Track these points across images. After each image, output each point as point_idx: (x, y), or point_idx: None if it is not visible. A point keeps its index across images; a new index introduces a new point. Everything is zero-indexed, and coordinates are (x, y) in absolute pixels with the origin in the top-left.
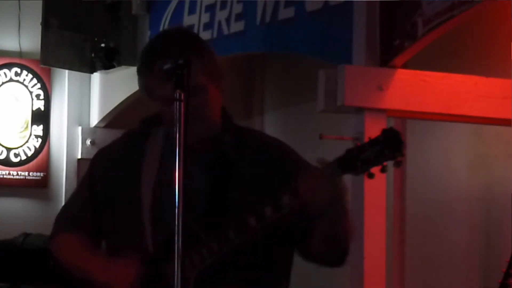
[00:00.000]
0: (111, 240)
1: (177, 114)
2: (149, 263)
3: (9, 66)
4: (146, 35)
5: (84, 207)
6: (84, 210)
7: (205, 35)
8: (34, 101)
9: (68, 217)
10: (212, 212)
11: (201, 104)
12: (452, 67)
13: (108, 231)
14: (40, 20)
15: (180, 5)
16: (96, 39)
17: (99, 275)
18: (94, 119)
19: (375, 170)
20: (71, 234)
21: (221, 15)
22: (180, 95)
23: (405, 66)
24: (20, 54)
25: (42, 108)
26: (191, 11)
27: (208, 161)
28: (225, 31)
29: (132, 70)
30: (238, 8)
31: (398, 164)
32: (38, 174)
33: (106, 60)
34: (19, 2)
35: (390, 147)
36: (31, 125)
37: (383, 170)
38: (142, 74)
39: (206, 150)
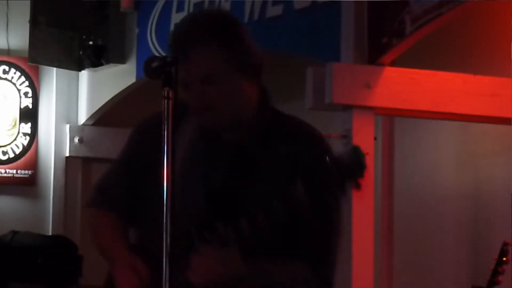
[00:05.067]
0: (139, 221)
1: (165, 112)
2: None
3: None
4: (134, 33)
5: (120, 184)
6: (120, 187)
7: None
8: (22, 99)
9: (105, 193)
10: (219, 206)
11: (213, 94)
12: (440, 65)
13: (139, 211)
14: (28, 18)
15: (168, 3)
16: (84, 37)
17: (114, 270)
18: (82, 117)
19: None
20: (105, 212)
21: None
22: (168, 92)
23: (393, 64)
24: (8, 52)
25: (30, 106)
26: (179, 8)
27: (229, 152)
28: None
29: (120, 68)
30: (226, 6)
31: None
32: (26, 172)
33: (94, 58)
34: (7, 0)
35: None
36: (19, 123)
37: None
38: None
39: (232, 139)
